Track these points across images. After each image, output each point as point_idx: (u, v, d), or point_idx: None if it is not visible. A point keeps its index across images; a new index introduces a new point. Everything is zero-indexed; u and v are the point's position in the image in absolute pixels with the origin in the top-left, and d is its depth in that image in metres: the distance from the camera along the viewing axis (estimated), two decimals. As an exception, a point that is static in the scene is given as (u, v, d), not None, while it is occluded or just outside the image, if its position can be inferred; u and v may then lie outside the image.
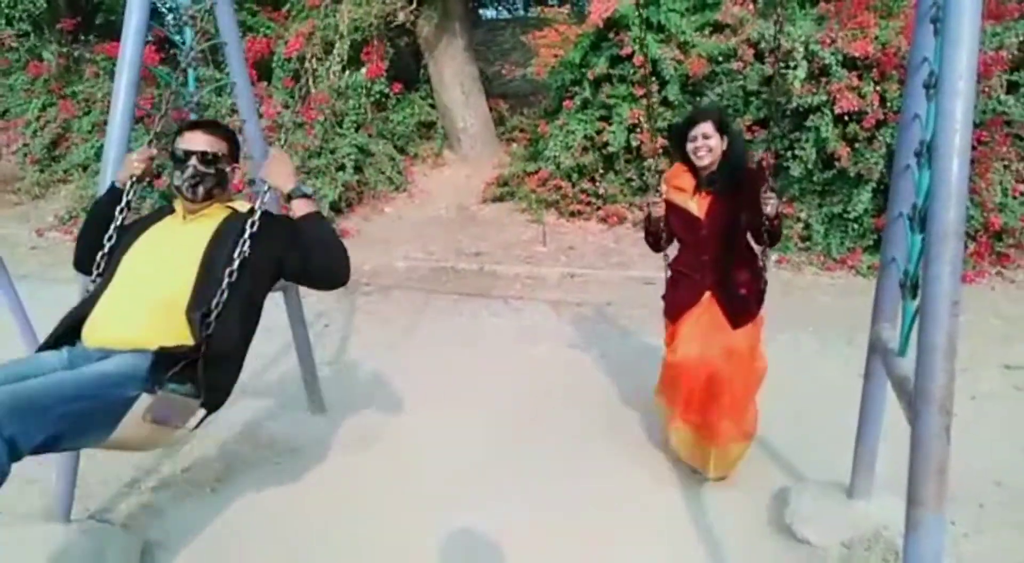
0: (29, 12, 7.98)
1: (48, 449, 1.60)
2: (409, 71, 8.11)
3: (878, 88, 5.39)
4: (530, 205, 6.95)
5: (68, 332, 1.92)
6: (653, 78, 6.23)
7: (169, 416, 1.75)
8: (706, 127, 2.65)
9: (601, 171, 6.72)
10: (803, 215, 5.97)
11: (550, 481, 2.93)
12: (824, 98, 5.48)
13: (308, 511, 2.76)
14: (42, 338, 2.05)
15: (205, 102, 3.01)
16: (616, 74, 6.43)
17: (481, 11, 12.25)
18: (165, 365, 1.76)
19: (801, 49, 5.50)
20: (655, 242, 2.90)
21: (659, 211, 2.80)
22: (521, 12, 12.65)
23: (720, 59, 6.10)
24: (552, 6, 9.01)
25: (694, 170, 2.73)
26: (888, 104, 5.37)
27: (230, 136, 2.16)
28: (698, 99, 6.20)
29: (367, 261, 6.22)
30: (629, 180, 6.71)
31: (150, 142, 2.28)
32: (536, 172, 6.96)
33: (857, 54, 5.37)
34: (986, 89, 5.22)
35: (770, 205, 2.57)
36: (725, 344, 2.67)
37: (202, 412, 1.84)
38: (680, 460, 2.97)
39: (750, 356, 2.72)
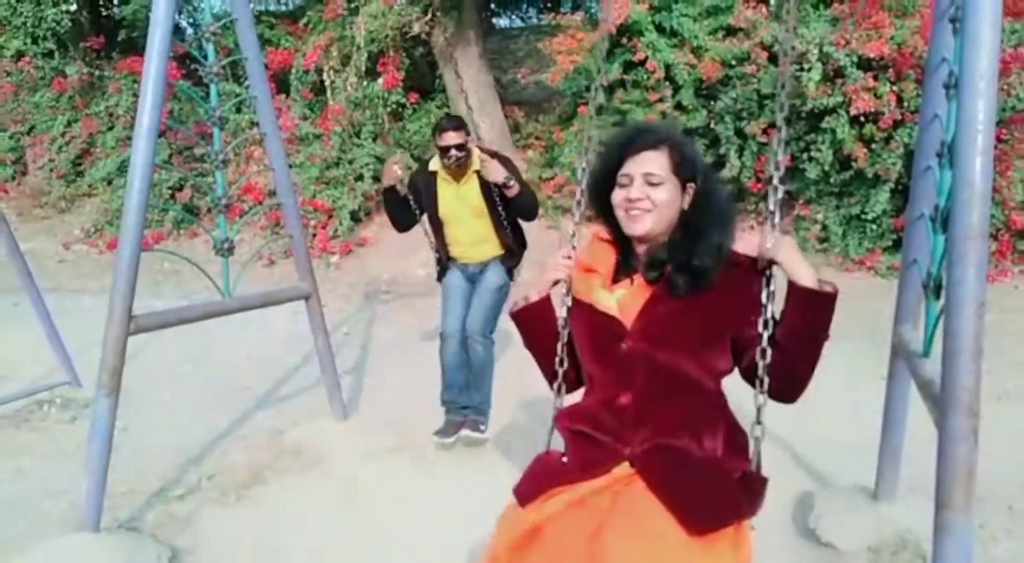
0: (54, 31, 8.16)
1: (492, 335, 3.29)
2: (425, 81, 8.17)
3: (894, 88, 5.36)
4: (546, 211, 6.96)
5: (444, 262, 3.43)
6: (666, 83, 6.23)
7: (519, 272, 3.48)
8: (652, 162, 1.45)
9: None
10: (820, 216, 5.93)
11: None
12: (840, 99, 5.45)
13: (333, 517, 2.79)
14: (69, 347, 3.86)
15: (226, 116, 3.06)
16: (630, 79, 6.44)
17: (495, 20, 12.32)
18: (509, 261, 3.38)
19: (815, 51, 5.48)
20: (542, 361, 1.66)
21: (531, 298, 1.64)
22: (534, 20, 12.71)
23: (733, 63, 6.09)
24: (564, 13, 9.04)
25: (621, 239, 1.54)
26: (905, 104, 5.33)
27: (464, 126, 3.22)
28: (712, 103, 6.20)
29: (386, 269, 6.28)
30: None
31: (398, 154, 3.77)
32: (552, 178, 6.98)
33: (872, 55, 5.34)
34: (1005, 87, 5.17)
35: (771, 241, 1.41)
36: None
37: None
38: None
39: None
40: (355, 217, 7.02)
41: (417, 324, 5.08)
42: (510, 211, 3.26)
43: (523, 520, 1.39)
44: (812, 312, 1.39)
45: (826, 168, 5.64)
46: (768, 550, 2.51)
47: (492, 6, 11.67)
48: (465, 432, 3.21)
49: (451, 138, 3.15)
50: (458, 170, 3.23)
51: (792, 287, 1.40)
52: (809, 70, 5.46)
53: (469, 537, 2.60)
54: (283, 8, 8.88)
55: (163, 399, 3.86)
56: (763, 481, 1.44)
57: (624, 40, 6.40)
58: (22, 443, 3.46)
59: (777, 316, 1.43)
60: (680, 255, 1.44)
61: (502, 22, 12.83)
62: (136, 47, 7.82)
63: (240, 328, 3.99)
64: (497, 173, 3.09)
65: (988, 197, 1.70)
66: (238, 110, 7.04)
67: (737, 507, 1.36)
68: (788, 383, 1.43)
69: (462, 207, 3.29)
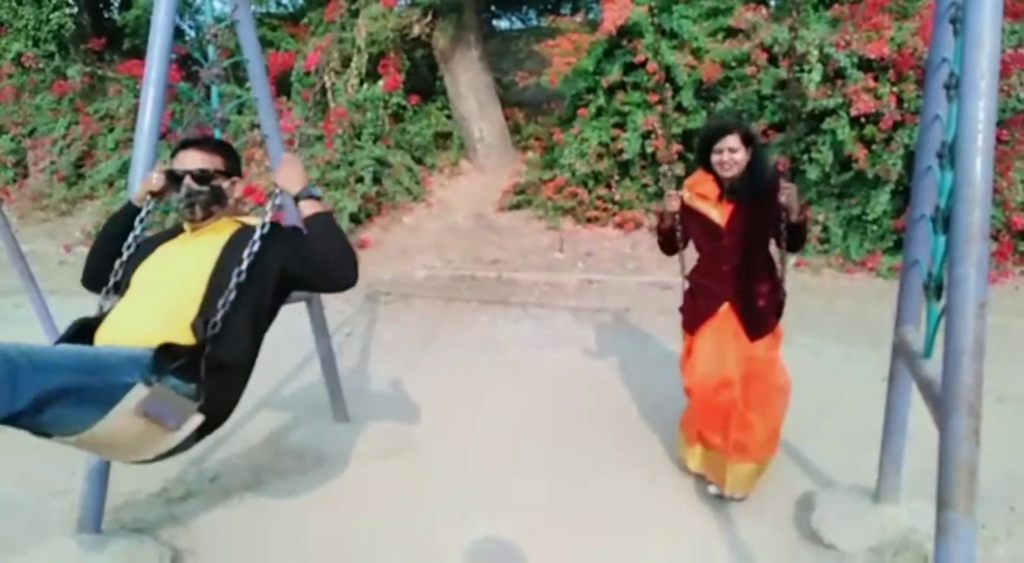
0: (55, 34, 8.18)
1: (28, 415, 1.49)
2: (425, 83, 8.18)
3: (895, 89, 5.36)
4: (547, 212, 6.98)
5: (80, 335, 1.89)
6: (667, 84, 6.24)
7: (163, 413, 1.67)
8: (732, 140, 2.60)
9: (617, 177, 6.73)
10: (821, 218, 5.94)
11: (571, 490, 2.93)
12: (840, 100, 5.46)
13: (335, 519, 2.79)
14: None
15: (227, 117, 3.05)
16: (630, 81, 6.45)
17: (495, 22, 12.33)
18: (167, 358, 1.71)
19: (816, 52, 5.48)
20: (668, 242, 2.84)
21: (674, 205, 2.73)
22: (534, 22, 12.72)
23: (734, 64, 6.10)
24: (565, 15, 9.06)
25: (717, 179, 2.68)
26: (905, 105, 5.34)
27: (225, 150, 2.12)
28: (712, 105, 6.20)
29: (387, 271, 6.28)
30: (645, 186, 6.71)
31: (165, 161, 2.22)
32: (552, 179, 6.99)
33: (873, 56, 5.35)
34: (1006, 87, 5.18)
35: (786, 195, 2.51)
36: (743, 356, 2.64)
37: (198, 418, 1.75)
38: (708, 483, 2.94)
39: (770, 369, 2.67)
40: (355, 219, 7.02)
41: (419, 325, 5.09)
42: (304, 271, 1.93)
43: (689, 355, 2.79)
44: (795, 230, 2.63)
45: (826, 169, 5.65)
46: (770, 551, 2.52)
47: (492, 8, 11.69)
48: None
49: (190, 160, 2.04)
50: (191, 215, 2.04)
51: (787, 216, 2.59)
52: (810, 71, 5.47)
53: (468, 539, 2.60)
54: (284, 10, 8.89)
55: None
56: (783, 304, 2.75)
57: (624, 42, 6.41)
58: (24, 444, 3.42)
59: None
60: (748, 183, 2.64)
61: (502, 24, 12.85)
62: (137, 49, 7.84)
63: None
64: (292, 176, 2.01)
65: (989, 197, 1.70)
66: (239, 112, 7.05)
67: (774, 322, 2.72)
68: (793, 248, 2.69)
69: (174, 267, 1.98)
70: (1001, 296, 4.89)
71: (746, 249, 2.66)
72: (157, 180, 2.10)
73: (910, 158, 4.81)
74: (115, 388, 1.60)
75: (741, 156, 2.60)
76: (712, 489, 2.84)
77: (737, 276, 2.67)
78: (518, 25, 13.07)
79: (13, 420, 1.47)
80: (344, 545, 2.63)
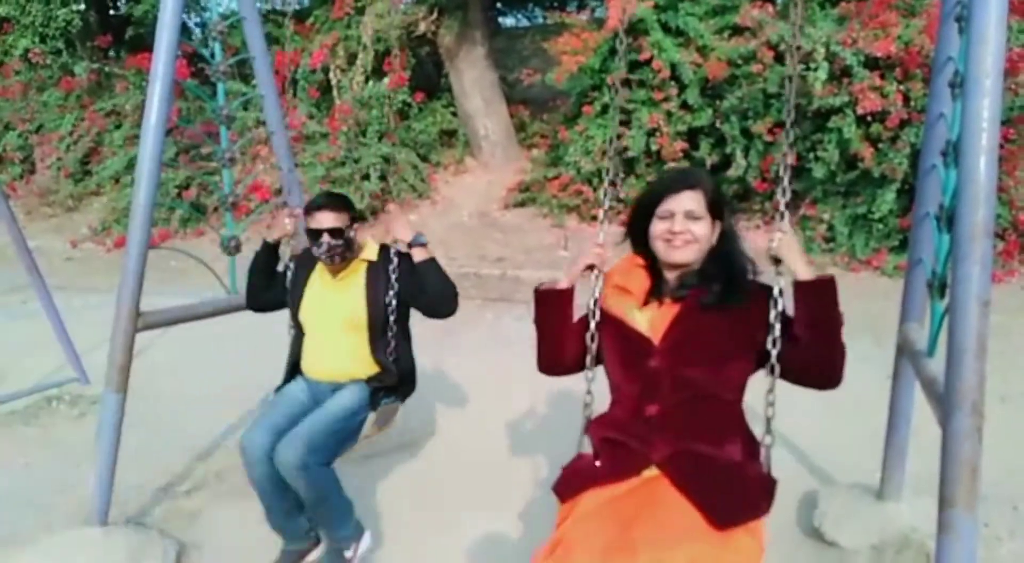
0: (63, 30, 8.20)
1: (331, 462, 2.37)
2: (431, 80, 8.18)
3: (901, 87, 5.34)
4: (551, 210, 6.98)
5: (293, 370, 2.64)
6: (672, 82, 6.23)
7: (386, 420, 2.53)
8: (693, 200, 1.60)
9: (622, 175, 6.73)
10: (826, 216, 5.92)
11: (546, 493, 2.94)
12: (846, 99, 5.44)
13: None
14: (77, 344, 3.78)
15: (233, 114, 3.07)
16: (635, 79, 6.44)
17: (500, 19, 12.31)
18: (378, 393, 2.51)
19: (822, 50, 5.46)
20: (554, 345, 1.76)
21: (584, 265, 1.74)
22: (540, 19, 12.70)
23: (739, 62, 6.08)
24: (571, 12, 9.04)
25: (652, 267, 1.69)
26: (912, 103, 5.31)
27: (348, 204, 2.54)
28: (718, 102, 6.19)
29: (391, 268, 6.28)
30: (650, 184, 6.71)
31: (284, 204, 3.05)
32: (557, 177, 6.99)
33: (879, 54, 5.33)
34: (1012, 86, 5.15)
35: (778, 243, 1.56)
36: (690, 558, 1.37)
37: (401, 405, 2.62)
38: None
39: None
40: (361, 216, 7.01)
41: (422, 321, 5.09)
42: (417, 294, 2.46)
43: (555, 536, 1.52)
44: (815, 301, 1.53)
45: (832, 168, 5.63)
46: (773, 549, 2.51)
47: (498, 5, 11.66)
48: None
49: (323, 220, 2.40)
50: (333, 264, 2.48)
51: (796, 283, 1.52)
52: (815, 69, 5.45)
53: (475, 535, 2.62)
54: (290, 7, 8.90)
55: (170, 395, 3.88)
56: (774, 482, 1.59)
57: (630, 39, 6.40)
58: (31, 439, 3.49)
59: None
60: (710, 281, 1.61)
61: (508, 21, 12.83)
62: (144, 44, 7.86)
63: (247, 325, 3.99)
64: (402, 227, 2.45)
65: (993, 196, 1.70)
66: (245, 109, 7.07)
67: (756, 505, 1.52)
68: (822, 371, 1.56)
69: (330, 312, 2.51)
70: (1006, 295, 4.87)
71: (695, 382, 1.57)
72: (290, 226, 2.65)
73: (916, 157, 4.79)
74: (360, 425, 2.47)
75: (702, 230, 1.60)
76: None
77: (676, 425, 1.56)
78: (524, 22, 13.06)
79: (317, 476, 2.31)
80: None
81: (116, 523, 2.65)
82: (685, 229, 1.59)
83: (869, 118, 5.40)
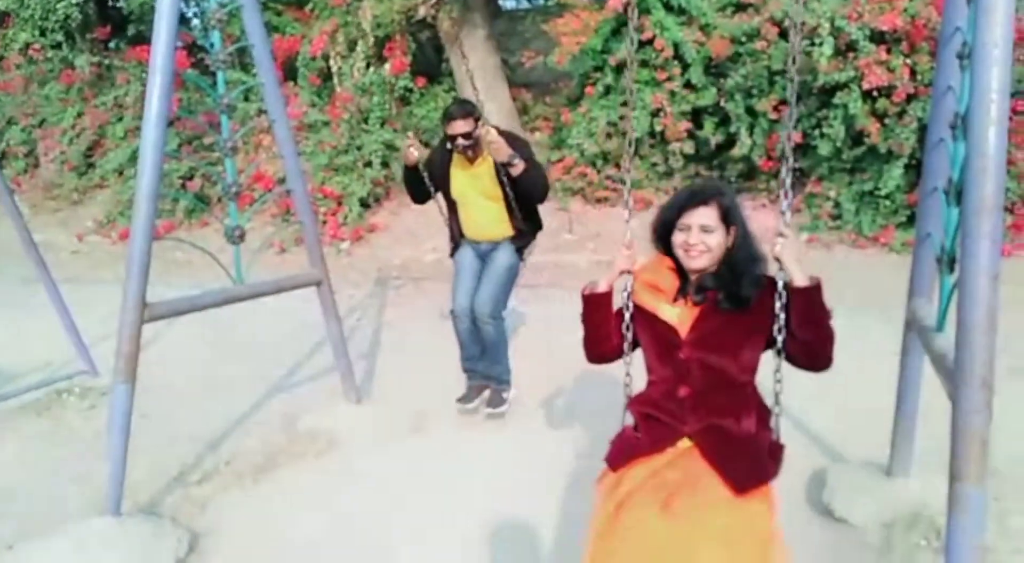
0: (63, 23, 8.16)
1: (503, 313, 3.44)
2: (432, 65, 8.13)
3: (908, 61, 5.27)
4: (555, 193, 6.94)
5: (457, 238, 3.54)
6: (675, 62, 6.16)
7: (531, 251, 3.61)
8: (706, 215, 1.85)
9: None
10: (832, 193, 5.87)
11: (583, 469, 2.94)
12: (852, 74, 5.38)
13: (349, 500, 2.82)
14: (85, 337, 3.97)
15: (235, 104, 3.05)
16: (638, 59, 6.38)
17: (501, 1, 12.19)
18: (520, 241, 3.44)
19: (827, 25, 5.39)
20: (599, 335, 2.06)
21: (599, 287, 2.02)
22: (540, 1, 12.58)
23: (743, 39, 6.01)
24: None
25: (679, 267, 1.94)
26: (919, 77, 5.25)
27: (473, 112, 3.24)
28: (721, 81, 6.12)
29: (397, 255, 6.29)
30: (654, 165, 6.66)
31: (409, 135, 3.57)
32: (561, 160, 6.95)
33: (885, 27, 5.26)
34: (1020, 58, 5.08)
35: (779, 250, 1.78)
36: (716, 526, 1.62)
37: (534, 240, 3.59)
38: None
39: (761, 555, 1.64)
40: (365, 203, 7.02)
41: (429, 308, 5.10)
42: (517, 192, 3.26)
43: (610, 500, 1.79)
44: (805, 303, 1.79)
45: (838, 144, 5.58)
46: (783, 525, 2.52)
47: (498, -13, 11.55)
48: (487, 410, 3.41)
49: (458, 127, 3.18)
50: (468, 156, 3.27)
51: (791, 289, 1.79)
52: (820, 44, 5.38)
53: (483, 519, 2.63)
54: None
55: (179, 386, 3.91)
56: (782, 448, 1.88)
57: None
58: (43, 431, 3.52)
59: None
60: (724, 284, 1.86)
61: (509, 3, 12.70)
62: (144, 37, 7.83)
63: (253, 315, 4.02)
64: (501, 152, 3.08)
65: (1003, 168, 1.68)
66: (246, 98, 7.04)
67: (767, 470, 1.79)
68: (812, 359, 1.85)
69: (474, 189, 3.34)
70: (1016, 269, 4.83)
71: (717, 368, 1.85)
72: (416, 152, 3.32)
73: (923, 132, 4.73)
74: (517, 273, 3.51)
75: (715, 240, 1.85)
76: None
77: (703, 403, 1.84)
78: (524, 4, 12.93)
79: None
80: (358, 526, 2.66)
81: (129, 513, 2.67)
82: (700, 241, 1.86)
83: (875, 93, 5.34)
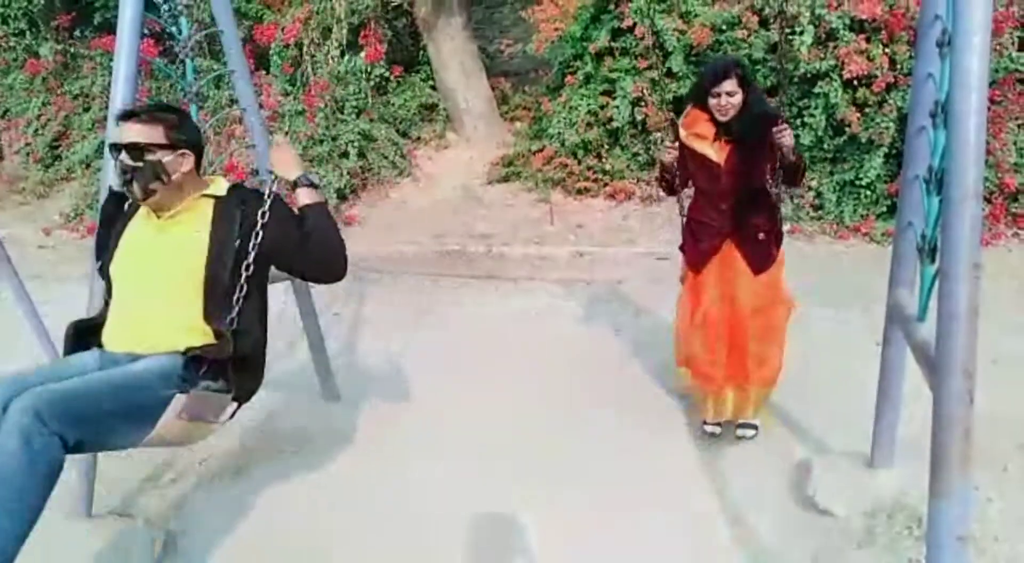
0: (25, 10, 7.91)
1: (90, 448, 1.78)
2: (408, 53, 8.01)
3: (887, 50, 5.28)
4: (536, 184, 6.89)
5: (86, 336, 1.99)
6: (656, 50, 6.12)
7: (204, 412, 1.84)
8: (730, 84, 2.65)
9: (607, 147, 6.64)
10: (814, 183, 5.88)
11: (567, 458, 2.93)
12: (832, 63, 5.37)
13: (327, 499, 2.78)
14: (53, 335, 2.45)
15: (205, 93, 2.96)
16: (618, 47, 6.33)
17: (478, -11, 12.06)
18: (196, 366, 1.83)
19: (807, 14, 5.38)
20: (668, 187, 3.03)
21: (669, 157, 2.90)
22: (519, -12, 12.45)
23: (724, 28, 5.98)
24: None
25: (712, 117, 2.73)
26: (898, 66, 5.26)
27: (167, 119, 1.92)
28: (702, 69, 6.09)
29: (374, 248, 6.20)
30: (635, 155, 6.63)
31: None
32: (541, 150, 6.88)
33: (865, 16, 5.26)
34: (997, 46, 5.11)
35: (786, 136, 2.60)
36: (749, 291, 2.80)
37: (234, 405, 1.95)
38: (704, 423, 3.00)
39: (773, 299, 2.86)
40: (341, 195, 6.91)
41: (408, 303, 5.04)
42: (291, 257, 1.96)
43: (691, 291, 2.98)
44: (793, 167, 2.76)
45: (819, 134, 5.58)
46: (765, 517, 2.52)
47: (476, -25, 11.43)
48: None
49: (130, 132, 1.89)
50: (133, 195, 1.92)
51: (784, 163, 2.75)
52: (801, 33, 5.37)
53: (462, 516, 2.60)
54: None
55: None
56: (782, 234, 2.92)
57: (612, 6, 6.27)
58: (10, 432, 3.41)
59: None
60: (746, 126, 2.70)
61: (487, -8, 12.57)
62: (111, 25, 7.61)
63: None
64: (288, 163, 2.02)
65: (982, 156, 1.68)
66: (217, 87, 6.88)
67: (774, 254, 2.86)
68: (791, 182, 2.88)
69: (148, 264, 1.94)
70: (993, 259, 4.88)
71: (744, 187, 2.76)
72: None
73: (903, 121, 4.76)
74: (157, 404, 1.77)
75: (738, 99, 2.66)
76: (709, 429, 2.99)
77: (737, 213, 2.78)
78: (503, -8, 12.80)
79: (75, 452, 1.67)
80: (336, 524, 2.62)
81: (100, 515, 2.61)
82: (728, 102, 2.66)
83: (855, 82, 5.34)
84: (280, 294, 4.23)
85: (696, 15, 6.09)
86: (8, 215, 7.63)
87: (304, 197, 1.97)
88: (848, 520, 2.43)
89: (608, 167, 6.63)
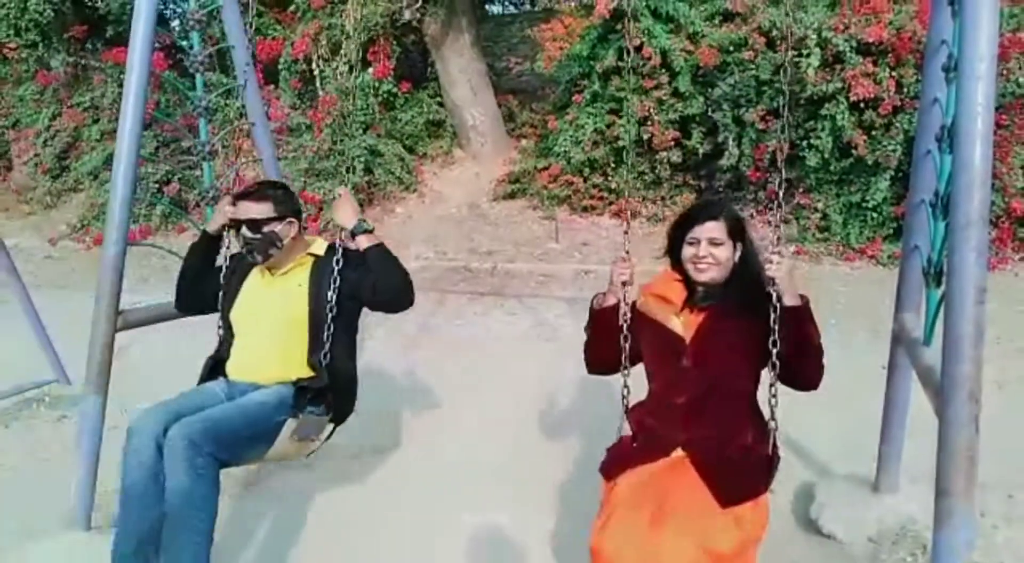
0: (36, 22, 8.01)
1: (232, 464, 2.18)
2: (416, 69, 8.08)
3: (894, 74, 5.30)
4: (542, 201, 6.91)
5: (214, 371, 2.42)
6: (663, 70, 6.16)
7: (309, 433, 2.25)
8: (715, 229, 1.92)
9: (612, 165, 6.67)
10: (820, 205, 5.89)
11: (571, 479, 2.91)
12: (839, 85, 5.40)
13: (336, 512, 2.77)
14: (57, 344, 3.61)
15: (214, 106, 2.99)
16: (626, 66, 6.36)
17: (487, 6, 12.20)
18: (303, 395, 2.24)
19: (814, 36, 5.42)
20: (603, 346, 2.05)
21: (620, 279, 2.00)
22: (528, 6, 12.60)
23: (731, 49, 6.02)
24: (558, -1, 8.96)
25: (687, 282, 2.00)
26: (904, 90, 5.28)
27: (275, 195, 2.32)
28: (709, 90, 6.13)
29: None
30: (641, 174, 6.65)
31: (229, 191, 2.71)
32: (547, 168, 6.92)
33: (871, 39, 5.29)
34: (1004, 72, 5.13)
35: (774, 269, 1.82)
36: (700, 538, 1.66)
37: (331, 426, 2.36)
38: None
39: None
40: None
41: (412, 318, 5.04)
42: (365, 293, 2.24)
43: (603, 509, 1.83)
44: (794, 323, 1.83)
45: (826, 156, 5.60)
46: (769, 541, 2.48)
47: (485, -7, 11.56)
48: None
49: (246, 210, 2.25)
50: (254, 260, 2.31)
51: (782, 308, 1.82)
52: (808, 55, 5.40)
53: (463, 532, 2.58)
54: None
55: (153, 396, 3.79)
56: (777, 460, 1.88)
57: (619, 26, 6.33)
58: (10, 442, 3.42)
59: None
60: (731, 294, 1.93)
61: (495, 8, 12.72)
62: (122, 38, 7.70)
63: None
64: (347, 213, 2.26)
65: (988, 181, 1.67)
66: (226, 100, 6.95)
67: (759, 484, 1.82)
68: (801, 379, 1.90)
69: (263, 314, 2.33)
70: (1001, 283, 4.87)
71: (716, 377, 1.90)
72: (230, 211, 2.33)
73: (909, 144, 4.77)
74: (275, 427, 2.20)
75: (724, 253, 1.92)
76: None
77: (699, 413, 1.88)
78: (511, 9, 12.96)
79: (225, 466, 2.10)
80: (340, 540, 2.60)
81: (99, 527, 2.59)
82: (708, 254, 1.91)
83: (862, 105, 5.36)
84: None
85: (703, 36, 6.14)
86: (16, 225, 7.69)
87: (364, 242, 2.24)
88: (852, 545, 2.40)
89: (614, 185, 6.65)
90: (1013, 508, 2.59)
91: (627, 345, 2.00)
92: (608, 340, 2.02)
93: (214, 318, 2.49)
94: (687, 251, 1.95)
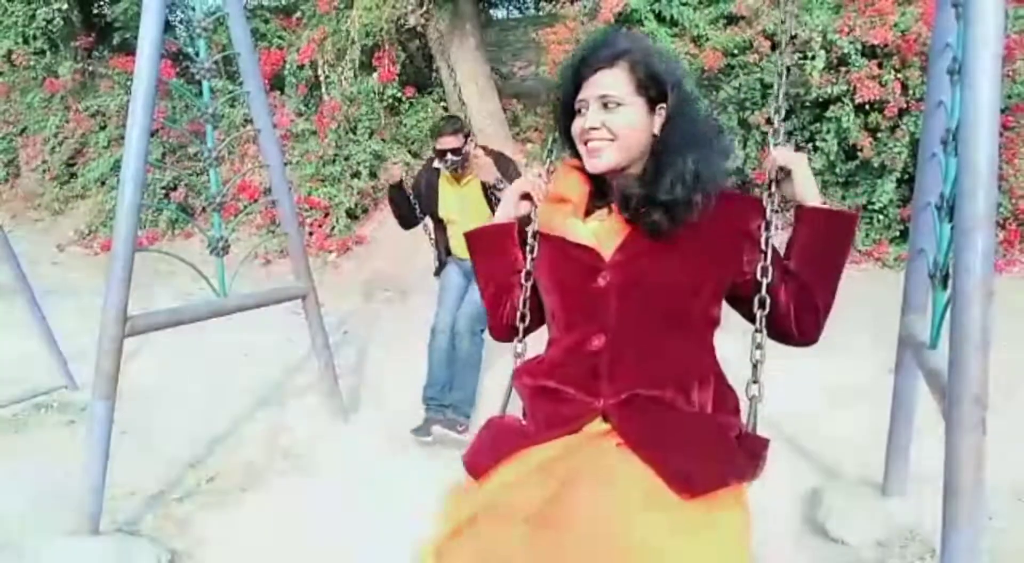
0: (44, 30, 8.07)
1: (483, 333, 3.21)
2: (421, 74, 8.11)
3: (899, 76, 5.29)
4: (546, 205, 6.91)
5: (443, 255, 3.48)
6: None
7: None
8: (607, 83, 1.22)
9: (616, 169, 6.65)
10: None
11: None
12: (844, 88, 5.39)
13: (333, 519, 2.76)
14: (64, 349, 3.87)
15: (220, 113, 3.01)
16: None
17: (492, 11, 12.23)
18: None
19: (819, 39, 5.41)
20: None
21: (524, 205, 1.44)
22: (532, 10, 12.62)
23: (735, 52, 6.02)
24: (563, 2, 8.98)
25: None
26: (910, 92, 5.27)
27: (463, 128, 3.25)
28: (714, 93, 6.13)
29: (385, 267, 6.23)
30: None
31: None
32: (552, 172, 6.91)
33: (876, 42, 5.28)
34: (1010, 73, 5.11)
35: (779, 159, 1.33)
36: (649, 526, 1.02)
37: None
38: None
39: None
40: (352, 214, 6.97)
41: (417, 322, 5.03)
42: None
43: (469, 502, 1.18)
44: (831, 233, 1.27)
45: (831, 158, 5.59)
46: (776, 545, 2.48)
47: (489, -3, 11.58)
48: (441, 430, 3.19)
49: (447, 142, 3.19)
50: (456, 173, 3.25)
51: (805, 209, 1.28)
52: (813, 58, 5.40)
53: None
54: (276, 2, 8.79)
55: (160, 401, 3.83)
56: (764, 442, 1.23)
57: (623, 30, 6.33)
58: (19, 447, 3.43)
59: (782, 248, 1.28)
60: (653, 189, 1.20)
61: (499, 13, 12.74)
62: (128, 45, 7.76)
63: (237, 328, 3.95)
64: (487, 173, 3.03)
65: (994, 183, 1.66)
66: (231, 107, 6.98)
67: (738, 467, 1.16)
68: (808, 319, 1.25)
69: (462, 208, 3.29)
70: (1008, 285, 4.84)
71: (653, 303, 1.21)
72: (397, 172, 3.43)
73: (915, 146, 4.76)
74: None
75: (623, 120, 1.22)
76: None
77: (627, 363, 1.20)
78: (515, 14, 12.98)
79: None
80: (342, 545, 2.60)
81: (107, 531, 2.61)
82: (599, 124, 1.20)
83: (867, 107, 5.36)
84: (290, 312, 4.26)
85: (708, 39, 6.14)
86: (24, 231, 7.73)
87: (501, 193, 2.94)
88: (860, 549, 2.39)
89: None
90: (1021, 511, 2.57)
91: (528, 284, 1.35)
92: (503, 280, 1.39)
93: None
94: (575, 125, 1.26)
